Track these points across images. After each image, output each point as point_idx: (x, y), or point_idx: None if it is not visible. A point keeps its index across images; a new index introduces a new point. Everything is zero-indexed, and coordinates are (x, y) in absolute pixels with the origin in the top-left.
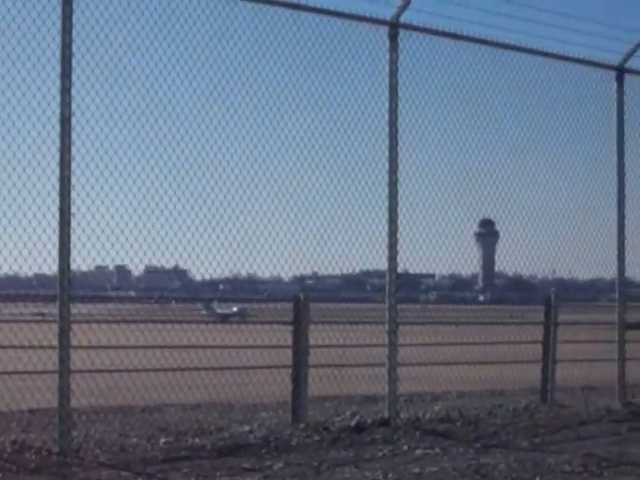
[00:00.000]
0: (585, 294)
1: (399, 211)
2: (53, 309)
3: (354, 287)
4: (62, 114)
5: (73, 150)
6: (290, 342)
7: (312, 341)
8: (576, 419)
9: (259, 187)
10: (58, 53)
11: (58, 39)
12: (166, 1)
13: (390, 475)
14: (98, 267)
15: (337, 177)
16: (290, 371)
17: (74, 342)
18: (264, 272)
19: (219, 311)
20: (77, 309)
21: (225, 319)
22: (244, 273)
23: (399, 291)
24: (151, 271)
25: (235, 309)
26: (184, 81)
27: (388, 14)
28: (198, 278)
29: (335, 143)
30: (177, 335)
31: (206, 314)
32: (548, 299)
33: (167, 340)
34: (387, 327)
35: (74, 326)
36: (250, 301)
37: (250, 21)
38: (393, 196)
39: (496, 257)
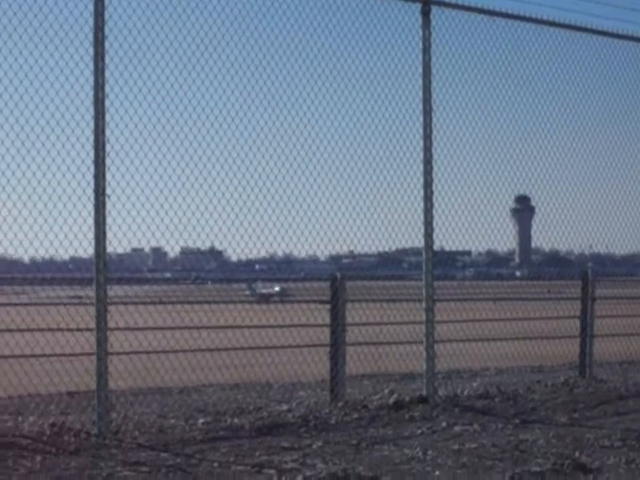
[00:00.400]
0: (622, 269)
1: (434, 188)
2: (90, 292)
3: (390, 265)
4: (96, 96)
5: (107, 132)
6: (328, 321)
7: (349, 319)
8: (615, 394)
9: (294, 166)
10: (91, 36)
11: (91, 21)
12: None
13: (429, 452)
14: (134, 249)
15: (372, 155)
16: (328, 350)
17: (111, 324)
18: (300, 252)
19: (262, 291)
20: (113, 291)
21: (267, 299)
22: (280, 253)
23: (436, 268)
24: (187, 252)
25: (277, 289)
26: (217, 61)
27: None
28: (234, 259)
29: (369, 121)
30: (214, 315)
31: (249, 294)
32: (585, 274)
33: (204, 321)
34: (424, 304)
35: (111, 308)
36: (287, 280)
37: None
38: (428, 173)
39: (532, 233)
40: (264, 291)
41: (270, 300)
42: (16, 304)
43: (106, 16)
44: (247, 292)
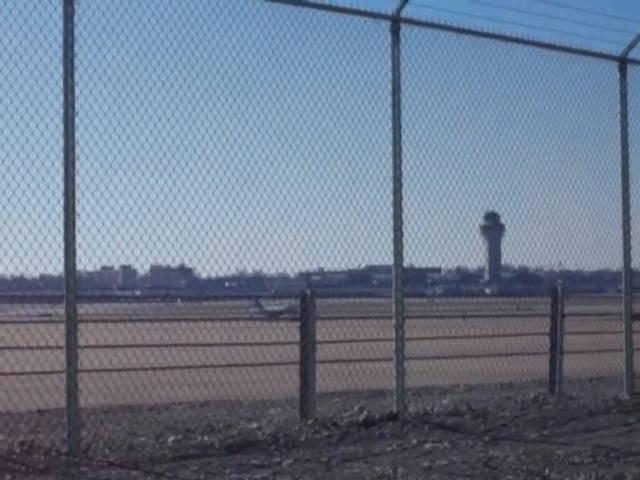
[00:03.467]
0: (592, 286)
1: (404, 206)
2: (59, 309)
3: (360, 282)
4: (65, 113)
5: (77, 150)
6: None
7: (319, 337)
8: (584, 410)
9: (264, 184)
10: (61, 53)
11: (60, 39)
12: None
13: (399, 469)
14: (104, 267)
15: (341, 172)
16: (298, 367)
17: (81, 342)
18: (270, 269)
19: (268, 308)
20: (84, 309)
21: (274, 316)
22: (250, 270)
23: (405, 285)
24: (156, 270)
25: (286, 305)
26: (187, 78)
27: (390, 9)
28: (204, 276)
29: (339, 139)
30: (184, 333)
31: (256, 311)
32: (555, 291)
33: (174, 338)
34: (394, 321)
35: (81, 326)
36: (257, 297)
37: (252, 17)
38: (397, 191)
39: (502, 250)
40: (275, 308)
41: (280, 317)
42: None
43: (76, 33)
44: (253, 309)
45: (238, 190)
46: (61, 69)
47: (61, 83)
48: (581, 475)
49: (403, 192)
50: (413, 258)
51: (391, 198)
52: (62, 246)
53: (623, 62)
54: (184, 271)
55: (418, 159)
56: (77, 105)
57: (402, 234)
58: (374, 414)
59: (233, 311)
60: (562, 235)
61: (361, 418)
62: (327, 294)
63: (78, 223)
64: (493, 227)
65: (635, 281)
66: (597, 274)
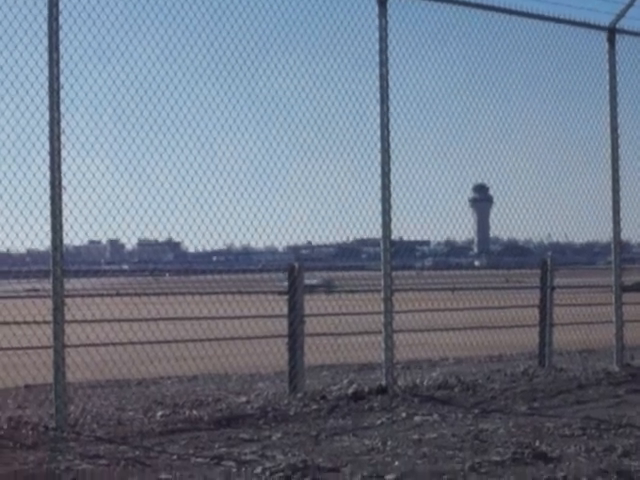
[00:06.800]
0: (581, 258)
1: (392, 177)
2: (47, 284)
3: (349, 255)
4: (51, 87)
5: (62, 123)
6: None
7: (307, 310)
8: (574, 383)
9: (251, 157)
10: (45, 26)
11: (45, 12)
12: None
13: (389, 442)
14: (91, 241)
15: (329, 145)
16: (286, 340)
17: (68, 317)
18: (258, 243)
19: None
20: (71, 284)
21: (310, 290)
22: (238, 244)
23: (394, 258)
24: (144, 244)
25: (315, 281)
26: (172, 51)
27: None
28: (192, 250)
29: (326, 111)
30: (172, 308)
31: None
32: (544, 263)
33: (161, 313)
34: (383, 294)
35: (68, 300)
36: (245, 272)
37: None
38: (386, 162)
39: (491, 222)
40: (307, 282)
41: (314, 291)
42: None
43: (61, 6)
44: (284, 283)
45: (225, 163)
46: (46, 41)
47: (46, 56)
48: (571, 447)
49: (391, 164)
50: (402, 231)
51: (379, 170)
52: (49, 220)
53: (612, 32)
54: (172, 245)
55: (406, 130)
56: (62, 78)
57: (390, 206)
58: (363, 387)
59: (268, 284)
60: (551, 207)
61: (350, 391)
62: (315, 267)
63: (64, 197)
64: (482, 199)
65: (625, 253)
66: (587, 246)
